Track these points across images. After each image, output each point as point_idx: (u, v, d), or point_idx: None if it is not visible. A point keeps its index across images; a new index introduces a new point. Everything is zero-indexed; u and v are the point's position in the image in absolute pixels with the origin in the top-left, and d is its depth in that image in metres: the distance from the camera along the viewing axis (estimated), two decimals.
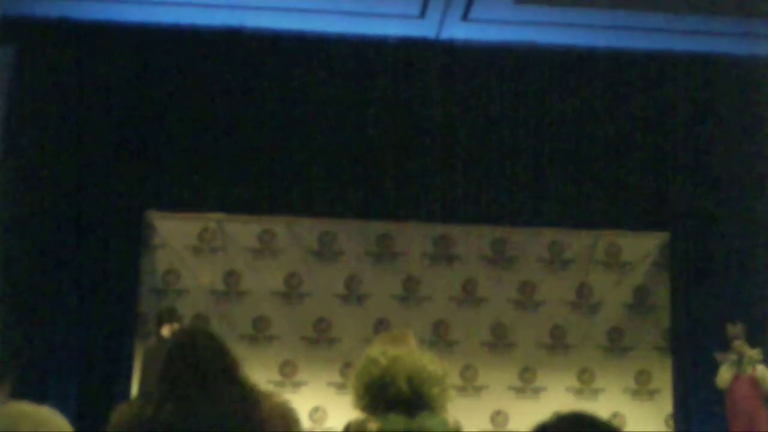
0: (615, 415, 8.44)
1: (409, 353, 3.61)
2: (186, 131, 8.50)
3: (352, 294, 8.60)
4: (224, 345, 3.39)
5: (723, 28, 8.71)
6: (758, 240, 8.93)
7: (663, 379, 8.69)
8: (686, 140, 9.02)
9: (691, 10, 8.43)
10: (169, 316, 7.33)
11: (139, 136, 8.46)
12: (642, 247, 8.88)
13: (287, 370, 8.45)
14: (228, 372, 3.31)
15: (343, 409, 4.45)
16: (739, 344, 7.95)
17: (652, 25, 8.69)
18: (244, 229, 8.56)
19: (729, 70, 9.04)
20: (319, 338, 8.53)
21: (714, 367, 8.12)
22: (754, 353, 7.94)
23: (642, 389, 8.71)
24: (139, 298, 8.36)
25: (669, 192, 8.94)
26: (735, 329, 8.01)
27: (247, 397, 3.28)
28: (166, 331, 7.11)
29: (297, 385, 8.42)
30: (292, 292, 8.55)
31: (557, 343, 8.70)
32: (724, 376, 7.93)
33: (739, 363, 7.92)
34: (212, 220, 8.50)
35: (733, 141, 9.00)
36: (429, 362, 3.52)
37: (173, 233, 8.50)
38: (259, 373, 8.16)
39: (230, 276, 8.51)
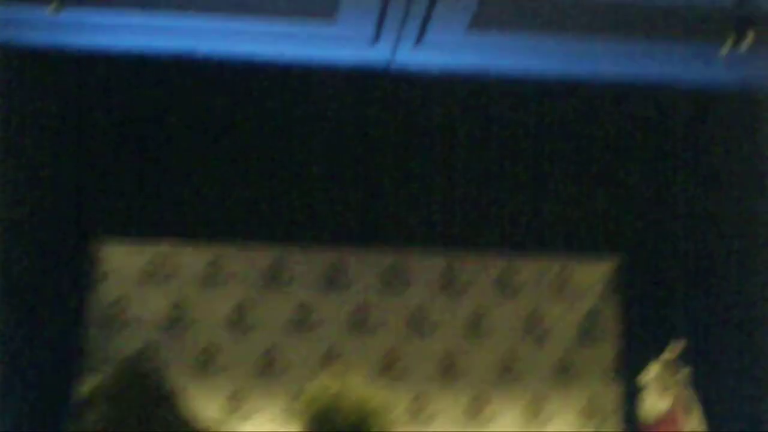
0: None
1: (354, 389, 3.59)
2: (134, 158, 8.41)
3: (302, 323, 8.53)
4: (165, 383, 3.33)
5: (678, 54, 8.81)
6: (710, 266, 9.02)
7: (612, 407, 8.70)
8: (638, 167, 9.10)
9: (646, 37, 8.52)
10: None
11: (86, 162, 8.36)
12: (592, 274, 8.91)
13: (235, 402, 8.35)
14: (169, 411, 3.26)
15: None
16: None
17: (606, 52, 8.76)
18: (192, 257, 8.46)
19: (682, 97, 9.17)
20: (269, 368, 8.44)
21: None
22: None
23: (592, 417, 8.71)
24: (86, 329, 8.22)
25: (620, 218, 9.01)
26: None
27: None
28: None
29: (244, 416, 8.33)
30: (241, 321, 8.47)
31: (507, 372, 8.69)
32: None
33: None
34: (161, 247, 8.40)
35: (686, 167, 9.11)
36: (373, 398, 3.51)
37: (121, 262, 8.38)
38: (208, 404, 8.09)
39: (179, 305, 8.41)
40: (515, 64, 8.83)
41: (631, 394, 8.57)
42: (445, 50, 8.60)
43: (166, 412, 3.32)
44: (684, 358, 7.98)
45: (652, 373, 7.89)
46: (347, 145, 8.76)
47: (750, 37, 7.95)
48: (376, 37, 8.40)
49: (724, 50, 8.16)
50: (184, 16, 8.05)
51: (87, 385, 7.14)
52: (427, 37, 8.39)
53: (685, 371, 7.93)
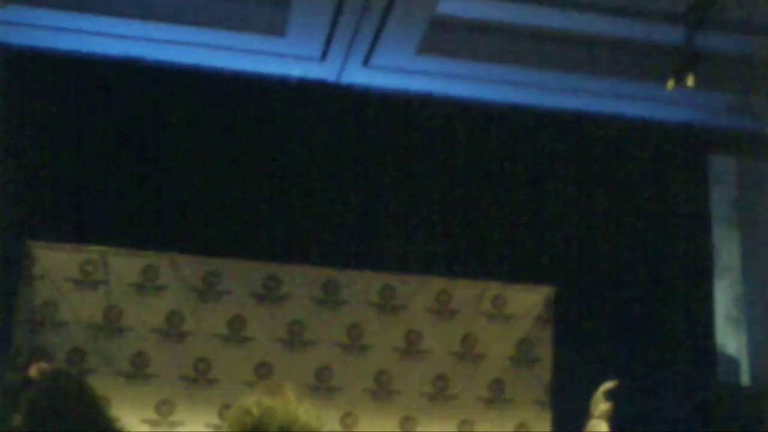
0: None
1: (284, 404, 3.58)
2: (72, 162, 8.35)
3: (235, 335, 8.44)
4: (90, 390, 3.31)
5: (621, 89, 8.98)
6: (640, 301, 9.15)
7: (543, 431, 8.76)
8: (574, 197, 9.23)
9: (592, 70, 8.68)
10: (39, 355, 7.14)
11: (24, 165, 8.28)
12: (527, 301, 8.96)
13: (164, 410, 8.23)
14: (93, 419, 3.24)
15: None
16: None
17: (550, 83, 8.91)
18: (127, 264, 8.32)
19: (624, 131, 9.35)
20: (199, 378, 8.34)
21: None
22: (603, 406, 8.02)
23: None
24: (15, 329, 8.11)
25: (555, 247, 9.12)
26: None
27: None
28: (33, 370, 6.89)
29: (173, 425, 8.20)
30: (173, 330, 8.35)
31: (439, 393, 8.69)
32: None
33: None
34: (95, 252, 8.31)
35: (623, 202, 9.26)
36: (303, 413, 3.50)
37: (54, 264, 8.23)
38: (136, 412, 7.98)
39: (111, 311, 8.26)
40: (461, 90, 8.96)
41: (561, 421, 8.68)
42: (393, 73, 8.70)
43: (91, 419, 3.29)
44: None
45: (596, 404, 7.98)
46: (286, 160, 8.79)
47: (691, 77, 8.12)
48: (324, 55, 8.47)
49: (669, 87, 8.32)
50: (132, 21, 8.07)
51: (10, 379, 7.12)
52: (375, 58, 8.49)
53: (610, 405, 8.02)
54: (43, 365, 6.87)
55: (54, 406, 3.22)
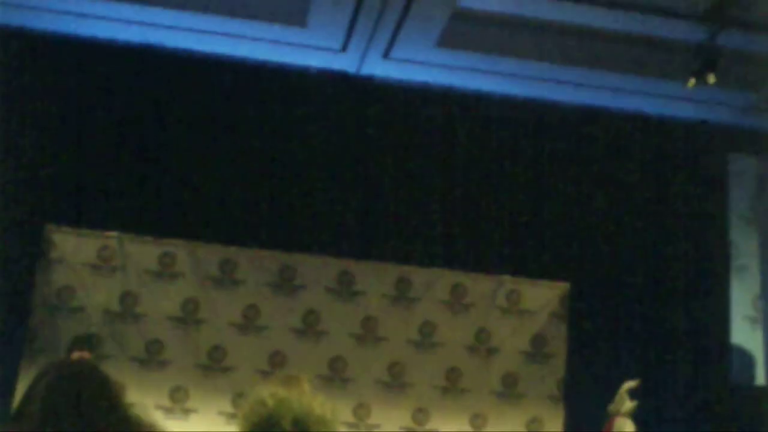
0: None
1: (299, 396, 3.59)
2: (93, 148, 8.38)
3: (250, 324, 8.46)
4: (108, 379, 3.32)
5: (641, 86, 8.95)
6: (655, 297, 9.14)
7: (554, 427, 8.72)
8: (592, 194, 9.21)
9: (612, 67, 8.66)
10: (83, 343, 7.16)
11: (44, 150, 8.31)
12: (542, 296, 8.95)
13: (178, 396, 8.27)
14: (111, 408, 3.25)
15: None
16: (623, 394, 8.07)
17: (571, 79, 8.89)
18: (144, 251, 8.36)
19: (641, 129, 9.32)
20: (213, 366, 8.37)
21: (605, 419, 8.25)
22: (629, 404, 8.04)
23: None
24: (32, 313, 8.15)
25: (571, 243, 9.11)
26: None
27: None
28: (75, 356, 6.91)
29: (187, 412, 8.25)
30: (188, 317, 8.38)
31: (452, 386, 8.69)
32: None
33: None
34: (113, 238, 8.33)
35: (638, 199, 9.24)
36: (317, 405, 3.51)
37: (72, 249, 8.25)
38: (149, 398, 7.98)
39: (127, 297, 8.30)
40: (481, 84, 8.94)
41: (574, 416, 8.69)
42: (413, 65, 8.69)
43: (110, 409, 3.30)
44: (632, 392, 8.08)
45: (622, 401, 8.00)
46: (307, 150, 8.81)
47: (712, 75, 8.10)
48: (345, 46, 8.48)
49: (690, 84, 8.30)
50: (154, 9, 8.08)
51: (30, 375, 7.12)
52: (395, 51, 8.49)
53: (635, 404, 8.03)
54: (86, 354, 6.90)
55: (73, 397, 3.23)
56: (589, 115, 9.33)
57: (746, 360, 9.67)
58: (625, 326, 9.11)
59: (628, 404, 7.94)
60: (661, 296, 9.24)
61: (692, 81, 8.32)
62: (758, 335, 9.63)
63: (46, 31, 8.41)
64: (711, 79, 8.23)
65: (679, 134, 9.53)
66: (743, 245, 9.79)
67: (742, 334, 9.60)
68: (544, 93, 9.10)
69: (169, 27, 8.35)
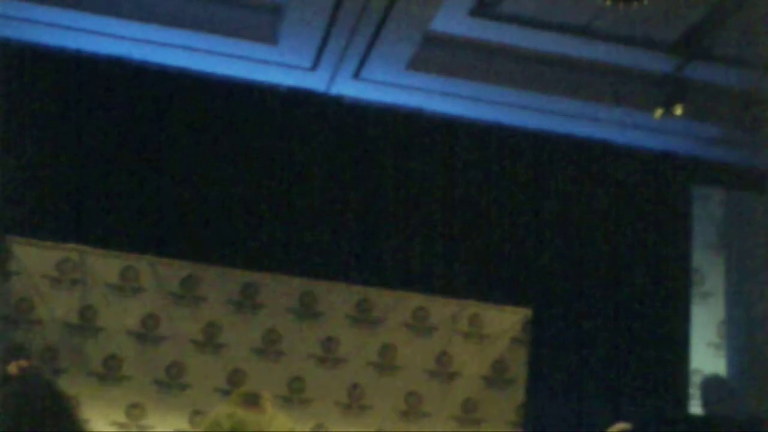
0: None
1: (257, 417, 3.56)
2: (54, 159, 8.31)
3: (210, 341, 8.40)
4: (60, 393, 3.28)
5: (607, 115, 9.02)
6: (618, 322, 9.18)
7: None
8: (555, 220, 9.27)
9: (580, 95, 8.72)
10: (19, 351, 7.07)
11: (4, 160, 8.21)
12: (504, 321, 8.94)
13: (135, 413, 8.18)
14: (62, 420, 3.21)
15: None
16: None
17: (538, 106, 8.95)
18: (106, 264, 8.25)
19: (604, 157, 9.39)
20: (171, 383, 8.30)
21: None
22: None
23: None
24: None
25: (534, 269, 9.15)
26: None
27: None
28: (12, 367, 6.81)
29: (143, 428, 8.14)
30: (148, 333, 8.29)
31: (412, 410, 8.65)
32: None
33: None
34: (74, 251, 8.25)
35: (607, 225, 9.31)
36: (277, 426, 3.48)
37: (31, 261, 8.16)
38: (106, 414, 7.94)
39: (86, 310, 8.20)
40: (450, 108, 8.98)
41: None
42: (383, 86, 8.71)
43: (60, 420, 3.25)
44: None
45: None
46: (271, 168, 8.79)
47: (680, 106, 8.16)
48: (315, 65, 8.48)
49: (657, 115, 8.37)
50: (119, 21, 8.05)
51: None
52: (366, 71, 8.50)
53: None
54: (23, 362, 6.79)
55: (23, 406, 3.18)
56: (556, 142, 9.39)
57: (715, 387, 9.72)
58: (586, 353, 9.14)
59: None
60: (623, 324, 9.29)
61: (659, 111, 8.38)
62: (722, 362, 9.71)
63: None
64: (678, 110, 8.30)
65: (645, 164, 9.60)
66: (709, 273, 9.88)
67: (707, 360, 9.67)
68: (511, 119, 9.15)
69: (137, 40, 8.31)
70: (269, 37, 8.24)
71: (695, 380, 9.67)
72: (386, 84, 8.71)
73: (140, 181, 8.55)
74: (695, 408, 9.60)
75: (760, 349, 9.72)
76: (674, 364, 9.40)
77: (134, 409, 8.19)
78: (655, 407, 9.16)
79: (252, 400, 4.39)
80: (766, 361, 9.68)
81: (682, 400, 9.42)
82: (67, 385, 7.59)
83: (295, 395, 8.44)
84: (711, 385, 9.72)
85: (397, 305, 8.77)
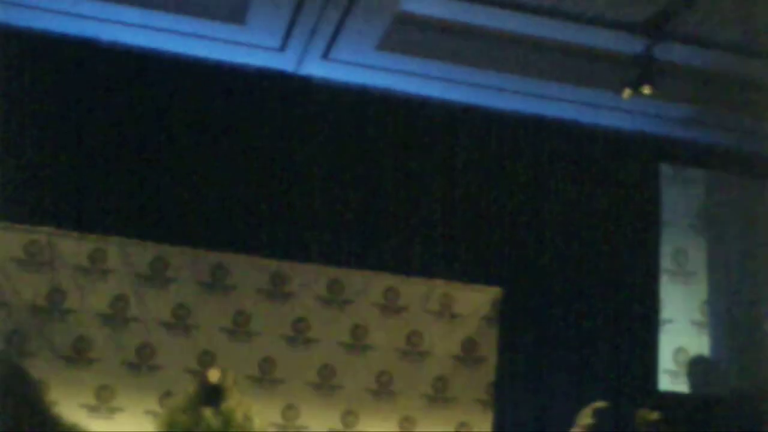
0: None
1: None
2: (21, 142, 8.23)
3: (180, 323, 8.37)
4: (26, 374, 3.28)
5: (576, 96, 9.04)
6: (589, 301, 9.24)
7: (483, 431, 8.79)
8: (524, 199, 9.30)
9: (550, 76, 8.74)
10: None
11: None
12: (474, 301, 8.99)
13: (104, 395, 8.15)
14: (29, 402, 3.21)
15: None
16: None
17: (507, 86, 8.96)
18: (74, 247, 8.22)
19: (575, 138, 9.42)
20: (141, 365, 8.29)
21: (532, 423, 8.33)
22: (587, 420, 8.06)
23: None
24: None
25: (504, 248, 9.18)
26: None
27: None
28: None
29: (113, 410, 8.13)
30: (117, 315, 8.26)
31: (382, 389, 8.70)
32: None
33: None
34: (42, 233, 8.20)
35: (576, 204, 9.35)
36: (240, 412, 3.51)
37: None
38: (75, 396, 7.91)
39: (54, 293, 8.16)
40: (419, 88, 8.98)
41: (502, 421, 8.75)
42: (352, 67, 8.68)
43: (27, 402, 3.25)
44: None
45: (583, 416, 8.01)
46: (240, 148, 8.77)
47: (648, 87, 8.18)
48: (284, 45, 8.44)
49: (625, 96, 8.39)
50: (90, 2, 7.98)
51: None
52: (335, 52, 8.47)
53: (592, 422, 8.04)
54: None
55: None
56: (525, 122, 9.41)
57: (701, 368, 9.81)
58: (556, 331, 9.19)
59: (586, 420, 7.96)
60: (592, 302, 9.34)
61: (628, 92, 8.40)
62: (705, 340, 9.79)
63: None
64: (647, 90, 8.32)
65: (614, 143, 9.64)
66: (692, 253, 9.96)
67: (690, 338, 9.76)
68: (480, 99, 9.15)
69: (104, 20, 8.23)
70: (237, 17, 8.18)
71: (680, 359, 9.75)
72: (355, 64, 8.68)
73: (107, 164, 8.49)
74: (681, 387, 9.66)
75: (742, 328, 9.83)
76: (644, 342, 9.46)
77: (104, 391, 8.18)
78: (624, 385, 9.23)
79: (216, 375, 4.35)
80: (747, 339, 9.80)
81: (652, 377, 9.50)
82: (35, 368, 7.58)
83: (265, 376, 8.46)
84: (697, 365, 9.81)
85: (367, 286, 8.80)
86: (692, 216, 10.07)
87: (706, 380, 9.79)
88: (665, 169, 9.91)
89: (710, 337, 9.89)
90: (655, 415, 7.84)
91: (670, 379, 9.68)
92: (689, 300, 9.87)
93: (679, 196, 9.97)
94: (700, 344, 9.81)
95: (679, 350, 9.75)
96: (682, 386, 9.68)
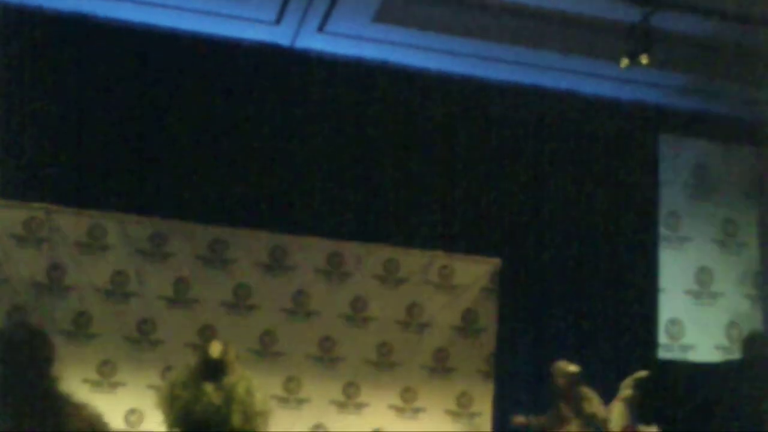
0: None
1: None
2: (21, 119, 8.22)
3: (180, 297, 8.39)
4: (44, 341, 3.32)
5: (573, 66, 9.01)
6: (588, 272, 9.24)
7: (484, 402, 8.81)
8: (523, 170, 9.30)
9: (546, 46, 8.70)
10: None
11: None
12: (473, 272, 9.00)
13: (106, 370, 8.19)
14: (41, 378, 3.25)
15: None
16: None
17: (504, 57, 8.94)
18: (73, 222, 8.21)
19: (572, 107, 9.40)
20: (142, 339, 8.31)
21: (533, 393, 8.36)
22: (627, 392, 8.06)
23: (463, 412, 8.80)
24: None
25: (503, 219, 9.19)
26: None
27: (60, 411, 3.25)
28: None
29: (114, 385, 8.17)
30: (117, 290, 8.27)
31: (383, 360, 8.73)
32: None
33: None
34: (41, 209, 8.20)
35: (575, 175, 9.34)
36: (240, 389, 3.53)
37: None
38: (77, 371, 7.90)
39: (54, 269, 8.17)
40: (415, 60, 8.95)
41: (503, 391, 8.79)
42: (348, 39, 8.66)
43: (43, 377, 3.31)
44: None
45: (624, 387, 8.03)
46: (238, 122, 8.76)
47: (645, 56, 8.16)
48: (279, 19, 8.41)
49: (623, 65, 8.37)
50: None
51: None
52: (331, 25, 8.44)
53: (633, 393, 8.05)
54: None
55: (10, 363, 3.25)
56: (523, 93, 9.39)
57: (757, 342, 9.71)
58: (555, 302, 9.22)
59: (627, 391, 7.99)
60: (591, 272, 9.36)
61: (625, 61, 8.39)
62: (698, 309, 9.77)
63: None
64: (644, 59, 8.30)
65: (612, 113, 9.63)
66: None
67: (684, 308, 9.72)
68: (477, 70, 9.14)
69: None
70: None
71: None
72: (352, 37, 8.66)
73: (105, 139, 8.48)
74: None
75: None
76: (642, 311, 9.49)
77: (105, 366, 8.20)
78: (623, 353, 9.26)
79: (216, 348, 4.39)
80: None
81: (651, 346, 9.53)
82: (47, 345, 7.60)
83: (266, 349, 8.48)
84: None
85: (367, 257, 8.82)
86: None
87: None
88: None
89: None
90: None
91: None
92: (684, 269, 9.77)
93: (672, 165, 9.87)
94: (693, 312, 9.74)
95: (673, 321, 9.68)
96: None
